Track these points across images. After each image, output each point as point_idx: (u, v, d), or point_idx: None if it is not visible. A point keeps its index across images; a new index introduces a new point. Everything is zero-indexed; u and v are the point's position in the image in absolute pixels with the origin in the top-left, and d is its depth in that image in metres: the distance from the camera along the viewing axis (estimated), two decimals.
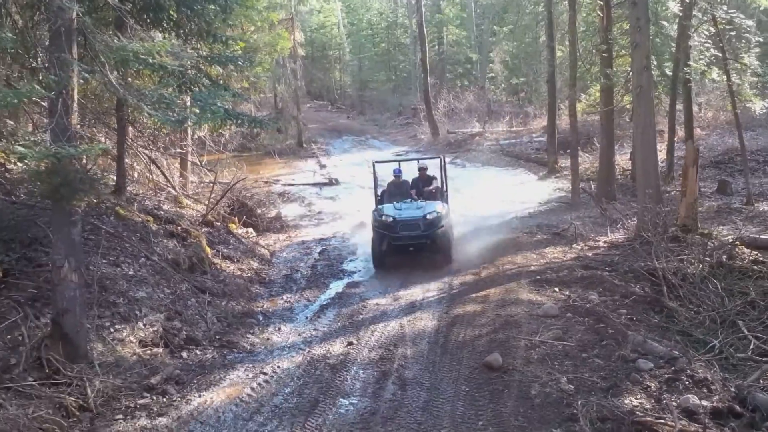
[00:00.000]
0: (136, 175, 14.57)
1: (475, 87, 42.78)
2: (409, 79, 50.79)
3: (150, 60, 8.80)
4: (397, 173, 14.48)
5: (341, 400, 7.38)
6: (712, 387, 6.94)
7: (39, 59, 8.49)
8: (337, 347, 8.93)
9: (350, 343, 9.01)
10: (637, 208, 14.06)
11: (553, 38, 23.91)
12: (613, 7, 18.31)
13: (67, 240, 7.71)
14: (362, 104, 52.29)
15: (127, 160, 13.17)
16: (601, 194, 17.96)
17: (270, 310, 11.16)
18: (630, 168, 20.11)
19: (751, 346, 8.08)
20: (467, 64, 47.92)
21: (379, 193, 14.60)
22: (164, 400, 7.37)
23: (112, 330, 8.48)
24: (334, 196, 22.07)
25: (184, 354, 8.74)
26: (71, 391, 7.04)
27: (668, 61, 19.55)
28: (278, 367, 8.31)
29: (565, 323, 9.17)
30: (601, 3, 18.20)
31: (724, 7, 16.88)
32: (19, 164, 10.12)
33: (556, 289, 10.73)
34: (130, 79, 11.03)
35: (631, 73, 15.44)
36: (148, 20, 9.85)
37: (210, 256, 12.37)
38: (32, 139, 8.80)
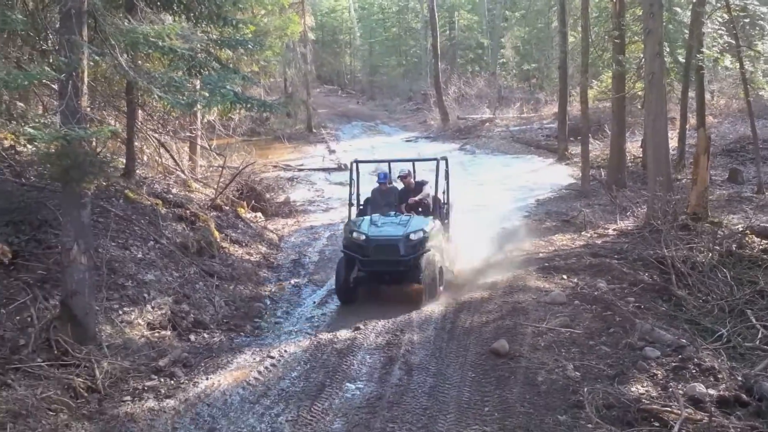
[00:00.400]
0: (145, 158, 14.60)
1: (486, 73, 42.57)
2: (419, 65, 50.57)
3: (160, 43, 8.80)
4: (382, 179, 11.44)
5: (347, 384, 7.41)
6: (719, 376, 6.92)
7: (49, 41, 8.48)
8: (344, 332, 8.95)
9: (357, 328, 9.03)
10: (647, 196, 13.99)
11: (566, 24, 23.72)
12: None
13: (76, 222, 7.74)
14: (372, 89, 52.17)
15: (136, 143, 13.19)
16: (611, 181, 17.88)
17: (278, 294, 11.20)
18: (641, 155, 20.01)
19: (759, 336, 8.04)
20: (478, 49, 47.65)
21: (362, 202, 11.79)
22: (172, 382, 7.41)
23: (120, 312, 8.53)
24: (343, 182, 22.04)
25: (192, 337, 8.79)
26: (79, 373, 7.09)
27: (681, 47, 19.38)
28: (285, 351, 8.34)
29: (572, 310, 9.16)
30: None
31: None
32: (30, 146, 10.13)
33: (564, 277, 10.71)
34: (140, 62, 11.03)
35: (643, 60, 15.33)
36: (159, 3, 9.85)
37: (218, 240, 12.41)
38: (42, 121, 8.79)
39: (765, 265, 10.12)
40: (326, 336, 8.83)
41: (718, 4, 17.19)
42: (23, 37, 8.64)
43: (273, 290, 11.40)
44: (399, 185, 11.62)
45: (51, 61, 8.19)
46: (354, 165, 11.63)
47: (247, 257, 12.75)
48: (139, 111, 13.29)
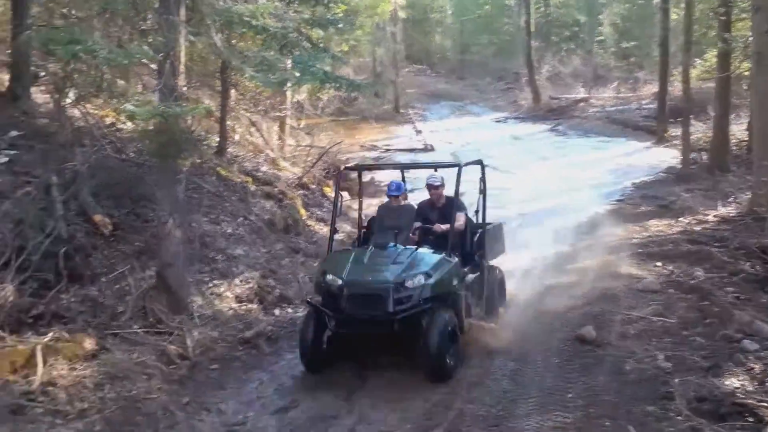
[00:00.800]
0: (237, 137, 14.98)
1: (582, 51, 41.18)
2: (512, 43, 49.40)
3: (253, 22, 8.99)
4: (394, 191, 8.24)
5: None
6: None
7: (148, 21, 8.78)
8: None
9: None
10: (752, 182, 13.20)
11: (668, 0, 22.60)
12: None
13: (172, 198, 8.06)
14: (462, 69, 51.47)
15: (228, 122, 13.56)
16: (713, 165, 17.00)
17: None
18: (746, 139, 18.88)
19: None
20: (574, 26, 46.06)
21: (366, 222, 8.78)
22: (257, 353, 7.64)
23: (210, 285, 8.86)
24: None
25: (277, 311, 9.01)
26: (172, 340, 7.43)
27: None
28: None
29: (666, 299, 8.79)
30: None
31: None
32: (130, 124, 10.60)
33: (659, 264, 10.27)
34: (234, 41, 11.31)
35: (750, 38, 14.39)
36: None
37: (304, 218, 12.63)
38: (142, 99, 9.17)
39: None
40: None
41: None
42: (124, 17, 8.99)
43: None
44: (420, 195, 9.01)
45: (150, 40, 8.49)
46: (338, 178, 8.83)
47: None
48: (232, 90, 13.65)
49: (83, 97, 10.12)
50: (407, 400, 6.53)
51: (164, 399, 6.45)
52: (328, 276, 7.13)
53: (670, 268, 10.04)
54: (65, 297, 7.64)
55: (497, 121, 30.41)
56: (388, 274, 6.96)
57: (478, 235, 8.25)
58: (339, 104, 27.18)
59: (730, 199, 14.10)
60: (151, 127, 7.94)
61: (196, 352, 7.38)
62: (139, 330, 7.43)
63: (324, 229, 12.89)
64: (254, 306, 8.87)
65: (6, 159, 8.70)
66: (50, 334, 6.82)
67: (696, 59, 21.73)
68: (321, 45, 12.13)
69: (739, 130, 20.59)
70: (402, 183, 8.64)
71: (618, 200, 15.33)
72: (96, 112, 11.19)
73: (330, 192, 15.39)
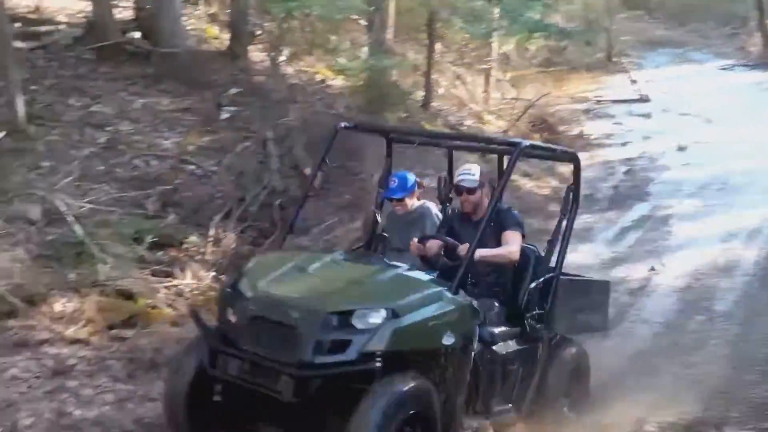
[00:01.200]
0: (441, 90, 14.99)
1: None
2: None
3: None
4: (395, 193, 5.30)
5: (640, 326, 6.96)
6: None
7: None
8: (638, 272, 8.41)
9: (652, 269, 8.42)
10: None
11: None
12: None
13: (379, 152, 8.25)
14: (683, 14, 47.16)
15: (433, 75, 13.57)
16: None
17: None
18: None
19: None
20: None
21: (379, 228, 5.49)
22: None
23: None
24: (647, 114, 20.41)
25: None
26: None
27: None
28: None
29: None
30: None
31: None
32: (339, 80, 11.00)
33: None
34: None
35: None
36: None
37: None
38: (352, 53, 9.44)
39: None
40: (617, 274, 8.34)
41: None
42: None
43: None
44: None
45: None
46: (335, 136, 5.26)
47: (537, 190, 12.55)
48: (438, 43, 13.62)
49: (296, 55, 10.66)
50: None
51: None
52: (242, 282, 4.24)
53: None
54: (277, 246, 8.18)
55: (723, 69, 27.59)
56: (325, 297, 3.97)
57: (544, 282, 4.76)
58: (547, 54, 26.22)
59: None
60: (361, 82, 8.16)
61: None
62: None
63: (529, 184, 12.56)
64: None
65: (228, 115, 9.45)
66: None
67: None
68: None
69: None
70: (407, 176, 5.31)
71: None
72: (307, 69, 11.76)
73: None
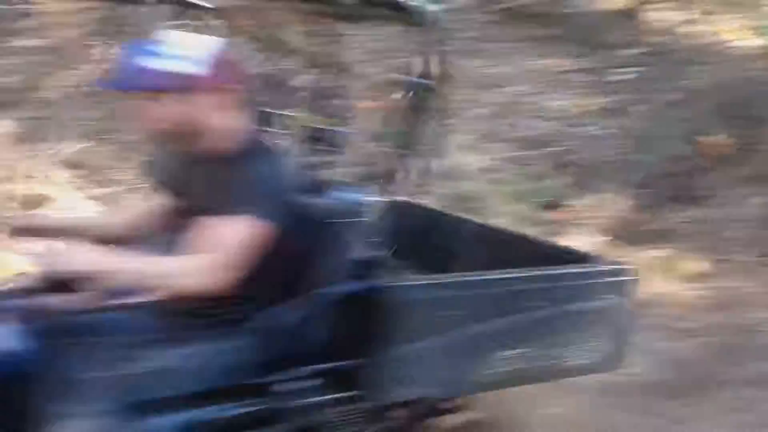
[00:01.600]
0: None
1: None
2: None
3: None
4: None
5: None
6: None
7: None
8: None
9: None
10: None
11: None
12: None
13: None
14: None
15: None
16: None
17: None
18: None
19: None
20: None
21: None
22: None
23: None
24: None
25: None
26: None
27: None
28: None
29: None
30: None
31: None
32: (755, 40, 9.86)
33: None
34: None
35: None
36: None
37: None
38: None
39: None
40: None
41: None
42: None
43: None
44: None
45: None
46: None
47: None
48: None
49: (707, 12, 9.80)
50: None
51: None
52: None
53: None
54: (671, 216, 7.67)
55: None
56: None
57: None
58: None
59: None
60: None
61: None
62: (753, 258, 6.99)
63: None
64: None
65: (633, 76, 9.10)
66: (654, 252, 6.90)
67: None
68: None
69: None
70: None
71: None
72: (715, 29, 10.71)
73: None
